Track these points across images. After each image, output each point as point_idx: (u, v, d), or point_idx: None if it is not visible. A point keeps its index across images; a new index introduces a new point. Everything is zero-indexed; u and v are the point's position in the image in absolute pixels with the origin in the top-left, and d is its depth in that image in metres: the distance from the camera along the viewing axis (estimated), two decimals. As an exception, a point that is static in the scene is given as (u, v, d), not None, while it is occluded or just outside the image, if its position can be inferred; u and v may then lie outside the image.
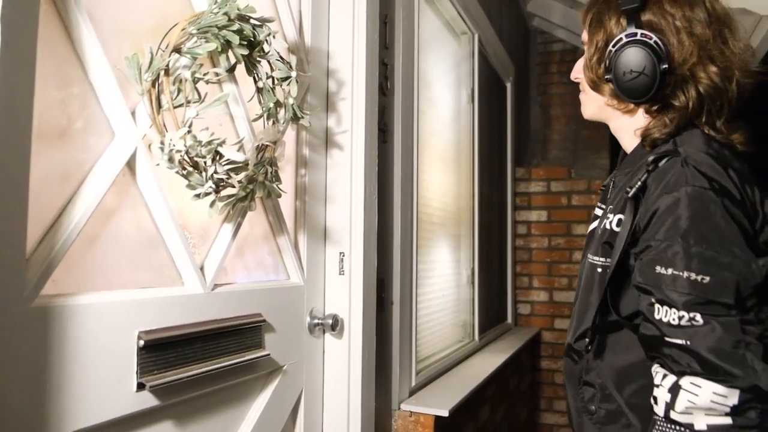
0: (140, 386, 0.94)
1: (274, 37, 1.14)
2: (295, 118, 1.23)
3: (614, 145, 4.35)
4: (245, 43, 1.06)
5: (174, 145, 0.97)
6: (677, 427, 0.83)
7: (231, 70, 1.10)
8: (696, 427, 0.81)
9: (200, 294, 1.10)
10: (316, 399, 1.47)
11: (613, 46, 0.99)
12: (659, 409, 0.86)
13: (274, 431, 1.30)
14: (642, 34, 0.96)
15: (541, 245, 3.85)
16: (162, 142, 0.97)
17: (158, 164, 0.98)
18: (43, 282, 0.82)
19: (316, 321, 1.44)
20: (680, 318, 0.84)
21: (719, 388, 0.80)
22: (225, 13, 1.01)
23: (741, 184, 0.89)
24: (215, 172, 1.01)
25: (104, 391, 0.89)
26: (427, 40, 2.26)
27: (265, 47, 1.14)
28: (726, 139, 0.97)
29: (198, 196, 1.03)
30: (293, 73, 1.20)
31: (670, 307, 0.85)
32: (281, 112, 1.21)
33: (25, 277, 0.78)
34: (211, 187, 1.02)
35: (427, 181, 2.20)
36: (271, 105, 1.18)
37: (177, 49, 0.99)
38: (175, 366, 1.01)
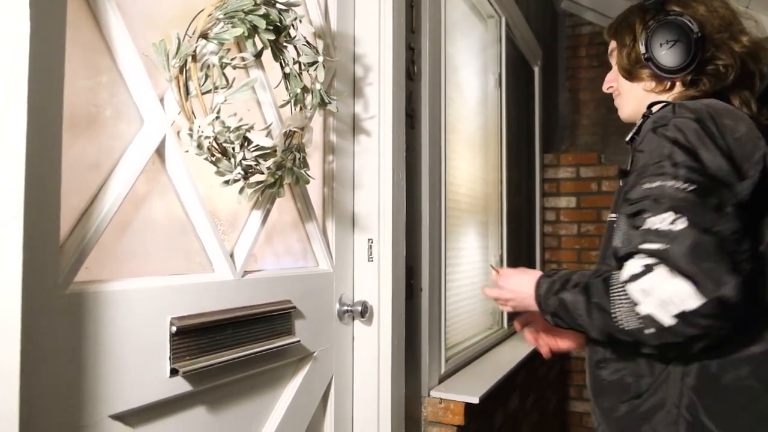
0: (173, 372, 0.94)
1: (300, 21, 1.13)
2: (323, 104, 1.22)
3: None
4: (271, 27, 1.05)
5: (202, 132, 0.96)
6: (627, 299, 0.87)
7: (258, 55, 1.09)
8: (640, 309, 0.85)
9: (230, 281, 1.10)
10: (347, 386, 1.47)
11: (646, 30, 1.06)
12: (623, 275, 0.88)
13: (305, 417, 1.30)
14: (671, 11, 1.04)
15: (570, 232, 3.79)
16: (191, 129, 0.97)
17: (187, 151, 0.98)
18: (76, 269, 0.82)
19: (345, 308, 1.44)
20: (662, 221, 0.85)
21: (685, 289, 0.81)
22: (251, -3, 1.00)
23: (731, 140, 0.91)
24: (244, 158, 1.01)
25: (138, 377, 0.90)
26: (454, 24, 2.23)
27: (292, 32, 1.13)
28: (755, 115, 1.00)
29: (227, 182, 1.03)
30: (320, 58, 1.19)
31: (655, 214, 0.86)
32: (308, 98, 1.20)
33: (59, 264, 0.79)
34: (239, 173, 1.02)
35: (455, 167, 2.18)
36: (298, 90, 1.17)
37: (204, 35, 0.99)
38: (207, 352, 1.01)
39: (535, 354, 2.62)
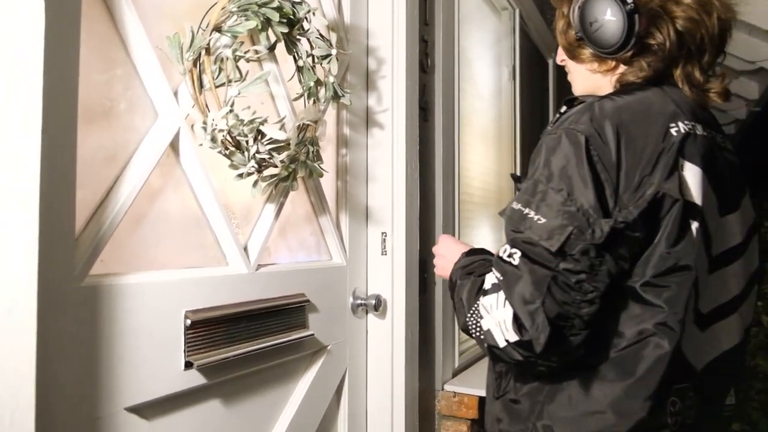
0: (188, 365, 0.95)
1: (313, 14, 1.12)
2: (336, 97, 1.22)
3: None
4: (285, 20, 1.05)
5: (216, 125, 0.96)
6: (477, 311, 0.87)
7: (271, 48, 1.08)
8: (482, 323, 0.86)
9: (245, 274, 1.10)
10: (360, 379, 1.47)
11: (576, 3, 0.94)
12: (485, 283, 0.88)
13: (319, 410, 1.31)
14: None
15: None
16: (204, 122, 0.97)
17: (201, 144, 0.98)
18: (92, 262, 0.83)
19: (359, 301, 1.44)
20: (504, 251, 0.85)
21: (512, 321, 0.81)
22: (263, -11, 1.00)
23: (631, 136, 0.83)
24: (257, 151, 1.00)
25: (153, 370, 0.90)
26: (467, 17, 2.21)
27: (305, 25, 1.13)
28: (701, 91, 0.92)
29: (241, 176, 1.03)
30: (333, 51, 1.18)
31: (505, 241, 0.86)
32: (321, 91, 1.20)
33: (74, 257, 0.79)
34: (253, 166, 1.02)
35: (468, 160, 2.17)
36: (312, 84, 1.16)
37: (218, 28, 0.99)
38: (222, 345, 1.01)
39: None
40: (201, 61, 0.97)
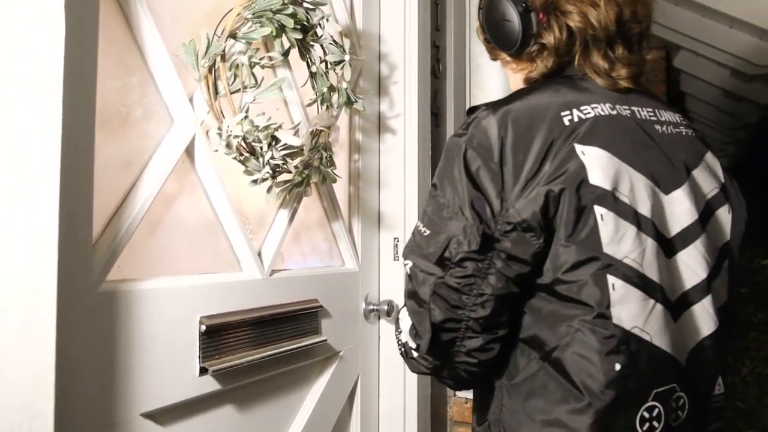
0: (202, 371, 0.95)
1: (327, 20, 1.13)
2: (349, 103, 1.22)
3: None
4: (299, 27, 1.05)
5: (231, 131, 0.97)
6: (398, 325, 0.93)
7: (285, 54, 1.09)
8: (401, 336, 0.91)
9: (258, 280, 1.10)
10: (373, 385, 1.47)
11: (479, 8, 0.95)
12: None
13: (331, 416, 1.30)
14: None
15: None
16: (219, 128, 0.97)
17: (216, 150, 0.98)
18: (108, 267, 0.83)
19: (371, 307, 1.44)
20: (403, 263, 0.88)
21: (410, 329, 0.86)
22: (278, -4, 1.01)
23: (518, 144, 0.80)
24: (272, 157, 1.01)
25: (168, 375, 0.90)
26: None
27: (318, 31, 1.13)
28: (609, 78, 0.87)
29: (255, 181, 1.03)
30: (346, 57, 1.18)
31: None
32: (334, 97, 1.20)
33: (92, 262, 0.79)
34: (267, 172, 1.02)
35: (479, 165, 2.16)
36: (325, 89, 1.17)
37: (233, 35, 0.99)
38: (236, 351, 1.01)
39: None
40: (216, 67, 0.98)
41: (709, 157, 0.93)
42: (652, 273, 0.80)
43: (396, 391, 1.47)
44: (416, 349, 0.86)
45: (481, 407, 0.94)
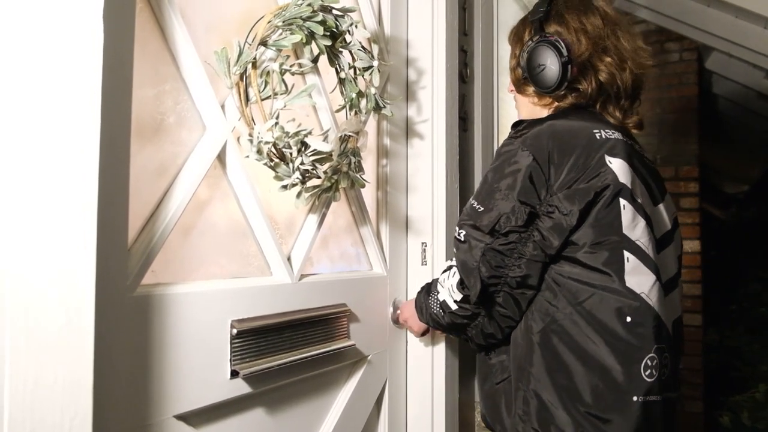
0: (234, 374, 0.96)
1: (356, 27, 1.14)
2: (377, 108, 1.23)
3: (704, 129, 4.07)
4: (328, 33, 1.06)
5: (262, 137, 0.98)
6: (437, 286, 1.20)
7: (315, 60, 1.10)
8: (439, 296, 1.18)
9: (288, 284, 1.11)
10: (400, 390, 1.47)
11: (524, 50, 1.18)
12: (439, 275, 1.22)
13: (359, 420, 1.31)
14: (544, 35, 1.15)
15: (625, 235, 3.70)
16: (250, 135, 0.99)
17: (247, 156, 1.00)
18: (143, 272, 0.85)
19: (399, 311, 1.44)
20: (456, 232, 1.12)
21: (457, 284, 1.13)
22: (309, 5, 1.02)
23: (562, 149, 1.04)
24: (302, 163, 1.02)
25: (200, 378, 0.91)
26: (506, 25, 2.20)
27: (347, 38, 1.14)
28: (620, 122, 1.14)
29: (285, 187, 1.04)
30: (375, 63, 1.19)
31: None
32: (363, 102, 1.21)
33: (127, 267, 0.81)
34: (297, 178, 1.03)
35: (507, 170, 2.15)
36: (354, 95, 1.18)
37: (263, 42, 1.00)
38: (266, 354, 1.02)
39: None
40: (247, 74, 0.99)
41: (668, 193, 1.22)
42: (653, 256, 1.05)
43: (424, 395, 1.47)
44: (460, 300, 1.12)
45: (491, 370, 1.18)
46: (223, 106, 1.00)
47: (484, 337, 1.13)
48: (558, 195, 1.02)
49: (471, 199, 1.12)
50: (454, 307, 1.13)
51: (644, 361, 1.00)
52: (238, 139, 1.01)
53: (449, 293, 1.14)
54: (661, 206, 1.14)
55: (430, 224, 1.48)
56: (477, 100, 1.71)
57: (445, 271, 1.18)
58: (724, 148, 4.74)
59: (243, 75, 0.98)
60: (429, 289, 1.22)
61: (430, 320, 1.21)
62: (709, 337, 3.75)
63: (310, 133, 1.02)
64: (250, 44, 0.99)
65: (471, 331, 1.14)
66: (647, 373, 1.01)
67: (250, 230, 1.07)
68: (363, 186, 1.22)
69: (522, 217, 1.02)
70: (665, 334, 1.04)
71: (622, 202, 1.02)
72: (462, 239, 1.09)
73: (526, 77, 1.18)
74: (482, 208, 1.07)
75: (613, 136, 1.07)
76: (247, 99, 0.99)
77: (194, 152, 0.96)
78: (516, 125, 1.14)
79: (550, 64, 1.12)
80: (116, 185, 0.78)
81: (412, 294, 1.49)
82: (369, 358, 1.33)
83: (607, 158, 1.04)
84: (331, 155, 1.08)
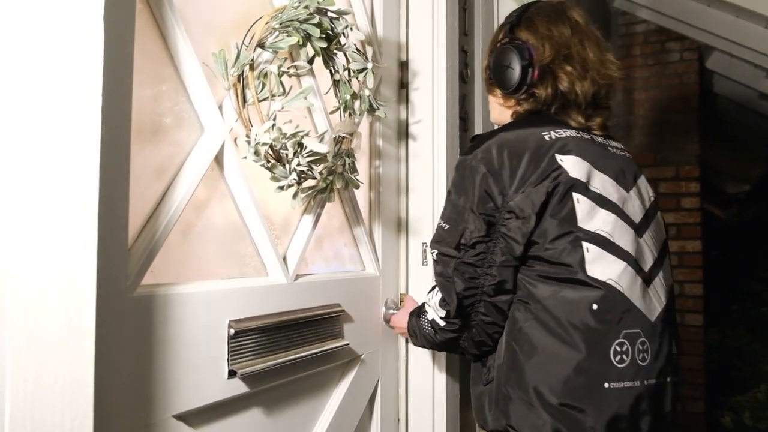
0: (231, 373, 0.96)
1: (351, 29, 1.14)
2: (371, 110, 1.24)
3: (705, 128, 4.07)
4: (324, 36, 1.07)
5: (260, 139, 0.98)
6: (425, 307, 1.22)
7: (310, 62, 1.11)
8: (428, 316, 1.20)
9: (284, 284, 1.12)
10: (393, 389, 1.48)
11: (492, 52, 1.23)
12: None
13: (353, 419, 1.32)
14: (510, 39, 1.19)
15: (626, 235, 3.70)
16: (248, 136, 0.99)
17: (245, 157, 1.00)
18: (143, 272, 0.85)
19: (391, 311, 1.45)
20: (430, 252, 1.17)
21: (440, 301, 1.14)
22: (305, 7, 1.02)
23: (512, 157, 1.07)
24: (298, 164, 1.02)
25: (199, 378, 0.92)
26: (505, 26, 2.20)
27: (342, 40, 1.15)
28: (582, 125, 1.15)
29: (281, 188, 1.05)
30: (369, 65, 1.20)
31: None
32: (357, 104, 1.22)
33: (128, 267, 0.82)
34: (294, 179, 1.04)
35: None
36: (348, 97, 1.18)
37: (261, 44, 1.01)
38: (263, 354, 1.03)
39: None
40: (245, 76, 1.00)
41: (643, 176, 1.23)
42: (623, 243, 1.07)
43: (425, 395, 1.48)
44: (445, 317, 1.14)
45: (482, 365, 1.19)
46: (220, 108, 1.00)
47: (477, 347, 1.15)
48: (514, 200, 1.05)
49: (439, 219, 1.16)
50: (442, 323, 1.15)
51: (613, 347, 1.02)
52: (235, 140, 1.02)
53: (435, 311, 1.16)
54: (632, 192, 1.15)
55: (431, 224, 1.49)
56: (477, 100, 1.72)
57: (430, 291, 1.20)
58: (725, 147, 4.74)
59: (240, 77, 0.99)
60: (419, 311, 1.25)
61: (425, 342, 1.23)
62: (710, 337, 3.75)
63: (307, 134, 1.03)
64: (247, 46, 1.00)
65: (464, 344, 1.17)
66: (617, 359, 1.02)
67: (246, 231, 1.08)
68: (357, 187, 1.23)
69: (482, 228, 1.06)
70: (640, 319, 1.05)
71: (576, 196, 1.05)
72: (435, 259, 1.14)
73: (491, 77, 1.23)
74: (447, 226, 1.12)
75: (564, 134, 1.10)
76: (245, 100, 1.00)
77: (192, 153, 0.96)
78: (472, 140, 1.17)
79: (512, 67, 1.16)
80: (117, 185, 0.78)
81: (414, 294, 1.50)
82: (362, 357, 1.34)
83: (558, 157, 1.07)
84: (326, 156, 1.09)
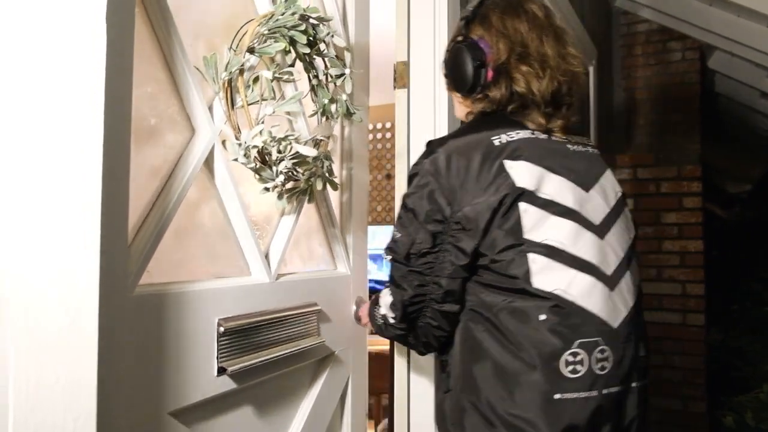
0: (220, 370, 0.99)
1: (332, 36, 1.17)
2: (348, 114, 1.26)
3: (707, 128, 4.07)
4: (306, 42, 1.09)
5: (251, 142, 1.01)
6: (379, 301, 1.21)
7: (291, 65, 1.13)
8: (381, 310, 1.20)
9: (266, 283, 1.15)
10: (362, 384, 1.51)
11: (447, 50, 1.19)
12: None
13: (328, 413, 1.35)
14: (464, 38, 1.15)
15: (627, 235, 3.70)
16: (237, 138, 1.02)
17: (235, 159, 1.03)
18: (141, 272, 0.87)
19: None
20: (384, 256, 1.17)
21: (390, 303, 1.15)
22: (293, 13, 1.05)
23: (460, 168, 1.05)
24: (285, 167, 1.05)
25: (191, 375, 0.94)
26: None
27: (321, 46, 1.18)
28: (542, 127, 1.11)
29: (267, 189, 1.08)
30: (347, 71, 1.23)
31: None
32: (333, 108, 1.24)
33: (127, 266, 0.83)
34: (281, 181, 1.06)
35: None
36: (326, 101, 1.21)
37: (250, 50, 1.03)
38: (249, 352, 1.06)
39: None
40: (234, 80, 1.02)
41: (609, 171, 1.19)
42: (578, 249, 1.04)
43: (427, 396, 1.50)
44: (393, 318, 1.15)
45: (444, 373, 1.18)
46: (211, 111, 1.02)
47: (423, 346, 1.18)
48: (462, 211, 1.04)
49: (393, 228, 1.17)
50: (392, 321, 1.16)
51: (563, 358, 0.99)
52: (224, 142, 1.04)
53: (386, 309, 1.17)
54: (593, 191, 1.11)
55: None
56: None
57: (386, 286, 1.20)
58: (727, 147, 4.73)
59: (230, 81, 1.01)
60: (375, 302, 1.25)
61: (379, 332, 1.24)
62: (711, 336, 3.75)
63: (297, 138, 1.05)
64: (235, 50, 1.02)
65: (411, 341, 1.19)
66: (569, 369, 0.99)
67: (232, 231, 1.10)
68: (336, 188, 1.27)
69: (429, 239, 1.06)
70: (599, 327, 1.02)
71: (523, 206, 1.02)
72: (389, 262, 1.15)
73: (447, 75, 1.21)
74: (399, 234, 1.11)
75: (517, 137, 1.07)
76: (234, 104, 1.02)
77: (184, 155, 0.98)
78: (428, 145, 1.14)
79: (465, 68, 1.13)
80: (117, 185, 0.79)
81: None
82: (336, 354, 1.38)
83: (507, 163, 1.04)
84: (308, 159, 1.11)
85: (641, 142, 3.82)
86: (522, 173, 1.03)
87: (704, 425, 3.51)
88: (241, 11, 1.12)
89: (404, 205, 1.12)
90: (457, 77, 1.16)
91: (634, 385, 1.07)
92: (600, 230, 1.08)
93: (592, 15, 3.43)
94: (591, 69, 3.45)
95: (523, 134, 1.08)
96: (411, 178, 1.12)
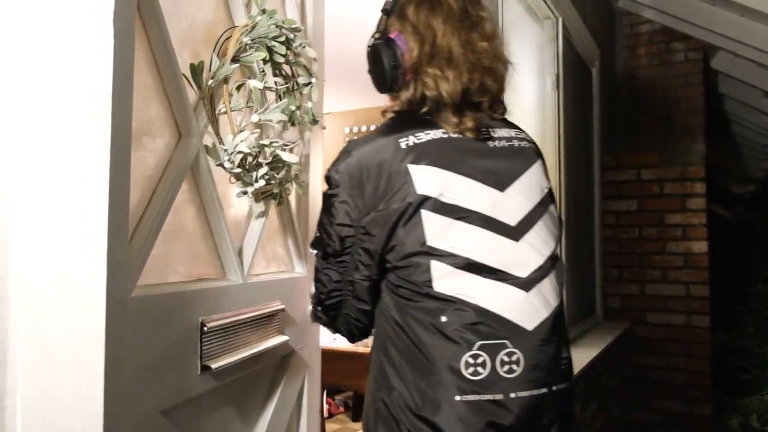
0: (204, 369, 1.02)
1: (303, 47, 1.20)
2: (314, 122, 1.29)
3: (710, 129, 4.06)
4: (284, 51, 1.13)
5: (237, 148, 1.04)
6: (311, 289, 1.23)
7: (262, 72, 1.16)
8: (311, 301, 1.25)
9: (240, 284, 1.18)
10: (316, 380, 1.54)
11: (368, 45, 1.18)
12: None
13: (289, 407, 1.39)
14: (382, 33, 1.15)
15: (631, 236, 3.71)
16: (222, 143, 1.05)
17: (220, 164, 1.06)
18: (139, 273, 0.89)
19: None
20: (311, 250, 1.24)
21: (314, 291, 1.20)
22: (275, 24, 1.08)
23: (366, 174, 1.05)
24: (265, 172, 1.08)
25: (177, 374, 0.97)
26: (510, 26, 2.22)
27: (290, 56, 1.21)
28: (455, 126, 1.07)
29: (245, 192, 1.12)
30: (314, 80, 1.27)
31: None
32: (297, 115, 1.27)
33: (129, 269, 0.86)
34: (261, 185, 1.10)
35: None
36: (293, 108, 1.24)
37: (235, 59, 1.07)
38: (228, 350, 1.10)
39: (594, 363, 2.58)
40: (219, 88, 1.06)
41: (538, 165, 1.15)
42: (485, 256, 1.02)
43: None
44: (319, 308, 1.20)
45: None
46: (197, 117, 1.05)
47: (346, 334, 1.21)
48: (368, 217, 1.06)
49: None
50: (318, 311, 1.21)
51: (463, 360, 0.98)
52: (206, 147, 1.07)
53: (312, 300, 1.23)
54: (510, 190, 1.08)
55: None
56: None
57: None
58: (730, 148, 4.70)
59: (215, 88, 1.05)
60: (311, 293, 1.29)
61: (313, 319, 1.30)
62: (716, 338, 3.74)
63: (282, 146, 1.09)
64: (219, 58, 1.06)
65: (338, 329, 1.21)
66: (470, 371, 0.98)
67: (209, 234, 1.13)
68: (303, 192, 1.31)
69: (339, 243, 1.10)
70: (508, 329, 1.00)
71: (425, 213, 1.02)
72: (313, 255, 1.20)
73: (370, 71, 1.18)
74: (318, 234, 1.15)
75: (425, 138, 1.06)
76: (217, 111, 1.05)
77: (174, 158, 1.01)
78: (347, 144, 1.14)
79: (382, 68, 1.12)
80: (121, 191, 0.82)
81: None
82: (295, 351, 1.42)
83: (411, 168, 1.03)
84: (286, 164, 1.16)
85: (645, 143, 3.81)
86: (424, 179, 1.02)
87: (709, 428, 3.49)
88: (218, 20, 1.15)
89: (323, 205, 1.14)
90: (374, 76, 1.16)
91: (554, 388, 1.04)
92: (516, 232, 1.06)
93: (594, 16, 3.43)
94: (594, 70, 3.45)
95: (433, 134, 1.06)
96: (327, 179, 1.12)
